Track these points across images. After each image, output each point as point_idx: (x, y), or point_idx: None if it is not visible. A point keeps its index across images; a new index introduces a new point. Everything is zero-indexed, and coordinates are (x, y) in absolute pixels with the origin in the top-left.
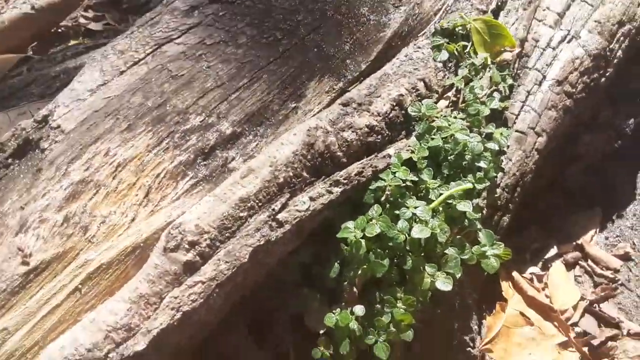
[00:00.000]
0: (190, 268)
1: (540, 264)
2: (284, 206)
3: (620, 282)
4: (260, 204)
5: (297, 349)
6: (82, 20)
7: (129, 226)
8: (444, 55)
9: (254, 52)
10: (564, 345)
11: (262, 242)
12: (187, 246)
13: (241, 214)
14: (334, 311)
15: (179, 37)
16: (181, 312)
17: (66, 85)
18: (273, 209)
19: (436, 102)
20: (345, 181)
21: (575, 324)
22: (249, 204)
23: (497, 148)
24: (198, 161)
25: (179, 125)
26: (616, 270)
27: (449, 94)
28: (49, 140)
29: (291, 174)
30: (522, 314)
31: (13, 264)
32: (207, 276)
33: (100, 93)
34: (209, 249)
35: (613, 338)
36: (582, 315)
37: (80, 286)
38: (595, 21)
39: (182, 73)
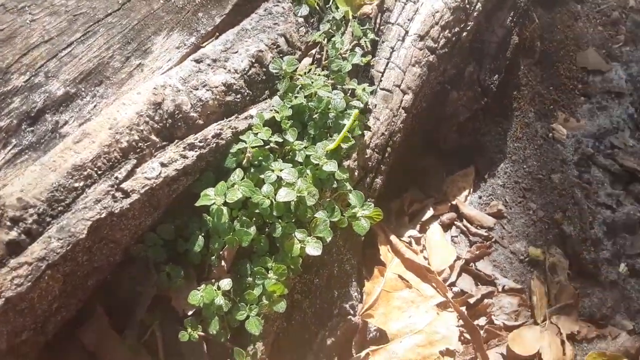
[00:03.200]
0: (15, 248)
1: (418, 226)
2: (130, 174)
3: (494, 240)
4: (100, 172)
5: (167, 333)
6: None
7: None
8: (305, 10)
9: (88, 3)
10: (442, 306)
11: (103, 215)
12: (8, 223)
13: (76, 184)
14: (198, 288)
15: None
16: (3, 299)
17: None
18: (116, 177)
19: (300, 60)
20: (201, 144)
21: (453, 284)
22: (85, 173)
23: (360, 105)
24: (23, 127)
25: None
26: (490, 229)
27: (313, 51)
28: None
29: (137, 137)
30: (400, 277)
31: None
32: (34, 256)
33: None
34: (37, 225)
35: (489, 295)
36: (459, 275)
37: None
38: None
39: (1, 28)
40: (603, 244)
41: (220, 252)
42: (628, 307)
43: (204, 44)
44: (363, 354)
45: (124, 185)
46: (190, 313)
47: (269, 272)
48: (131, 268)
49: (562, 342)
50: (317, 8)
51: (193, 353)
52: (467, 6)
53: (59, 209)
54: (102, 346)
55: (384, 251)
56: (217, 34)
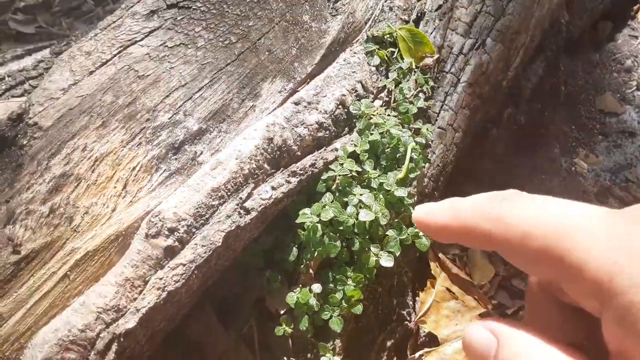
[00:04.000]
0: (170, 252)
1: (460, 246)
2: (249, 195)
3: None
4: (229, 193)
5: (260, 329)
6: (12, 24)
7: (110, 216)
8: (376, 60)
9: (212, 54)
10: (484, 316)
11: (232, 228)
12: (167, 232)
13: (213, 203)
14: (294, 291)
15: (142, 39)
16: (166, 292)
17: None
18: (240, 198)
19: (372, 102)
20: (301, 172)
21: (492, 297)
22: (219, 194)
23: (424, 142)
24: (169, 155)
25: (149, 122)
26: None
27: (382, 94)
28: (27, 137)
29: (254, 165)
30: (448, 289)
31: (4, 253)
32: (187, 259)
33: (73, 92)
34: (187, 234)
35: (522, 308)
36: (497, 289)
37: (69, 273)
38: (497, 30)
39: (148, 73)
40: None
41: (308, 262)
42: None
43: (299, 89)
44: (417, 355)
45: (246, 204)
46: (282, 312)
47: (348, 279)
48: (232, 273)
49: None
50: (386, 59)
51: (280, 347)
52: (508, 59)
53: (201, 222)
54: (208, 337)
55: (433, 266)
56: (309, 80)
